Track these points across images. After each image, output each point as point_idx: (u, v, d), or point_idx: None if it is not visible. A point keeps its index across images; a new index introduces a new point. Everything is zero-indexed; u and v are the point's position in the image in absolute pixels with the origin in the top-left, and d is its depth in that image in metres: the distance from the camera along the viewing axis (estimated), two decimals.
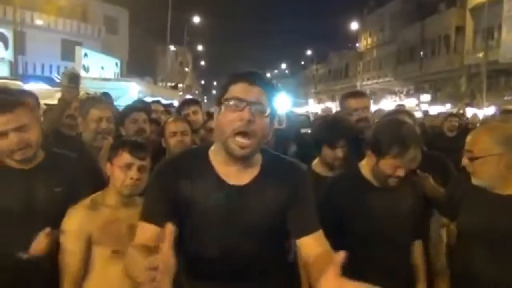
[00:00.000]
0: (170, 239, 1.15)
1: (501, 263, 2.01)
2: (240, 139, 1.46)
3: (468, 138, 2.11)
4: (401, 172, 2.09)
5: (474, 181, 2.09)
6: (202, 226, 1.55)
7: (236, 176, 1.56)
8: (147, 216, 1.54)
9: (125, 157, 1.98)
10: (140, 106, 3.66)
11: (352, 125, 2.86)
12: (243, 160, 1.54)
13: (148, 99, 8.43)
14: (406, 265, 2.25)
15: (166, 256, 1.12)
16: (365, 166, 2.23)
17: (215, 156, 1.58)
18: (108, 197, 2.03)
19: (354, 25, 39.93)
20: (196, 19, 37.83)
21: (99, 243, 1.94)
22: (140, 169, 2.00)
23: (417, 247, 2.34)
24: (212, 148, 1.61)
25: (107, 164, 2.05)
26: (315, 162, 2.77)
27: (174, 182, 1.54)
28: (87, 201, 2.00)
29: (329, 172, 2.68)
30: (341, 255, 1.14)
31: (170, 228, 1.17)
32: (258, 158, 1.61)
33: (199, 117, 3.64)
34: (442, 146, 4.18)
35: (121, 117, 3.18)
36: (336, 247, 1.51)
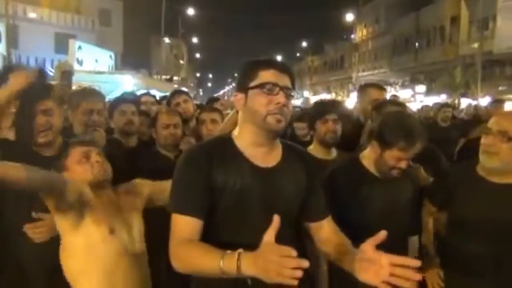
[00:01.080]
0: (276, 229, 1.25)
1: (497, 252, 2.01)
2: (277, 116, 1.53)
3: (499, 119, 2.04)
4: (404, 164, 2.09)
5: (488, 162, 2.04)
6: (236, 210, 1.55)
7: (263, 158, 1.60)
8: (183, 208, 1.52)
9: (78, 150, 1.98)
10: (128, 98, 3.66)
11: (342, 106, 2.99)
12: (274, 139, 1.61)
13: (143, 91, 8.39)
14: None
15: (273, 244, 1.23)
16: (366, 157, 2.22)
17: (241, 141, 1.61)
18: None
19: (349, 17, 39.66)
20: (191, 11, 37.57)
21: (96, 221, 1.90)
22: (99, 154, 2.01)
23: (413, 242, 2.34)
24: (236, 133, 1.63)
25: (63, 174, 1.96)
26: (311, 147, 2.80)
27: (207, 168, 1.54)
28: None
29: (326, 154, 2.77)
30: (383, 233, 1.32)
31: (277, 219, 1.26)
32: (278, 142, 1.66)
33: (189, 106, 3.73)
34: (436, 136, 4.19)
35: (110, 109, 3.15)
36: None
